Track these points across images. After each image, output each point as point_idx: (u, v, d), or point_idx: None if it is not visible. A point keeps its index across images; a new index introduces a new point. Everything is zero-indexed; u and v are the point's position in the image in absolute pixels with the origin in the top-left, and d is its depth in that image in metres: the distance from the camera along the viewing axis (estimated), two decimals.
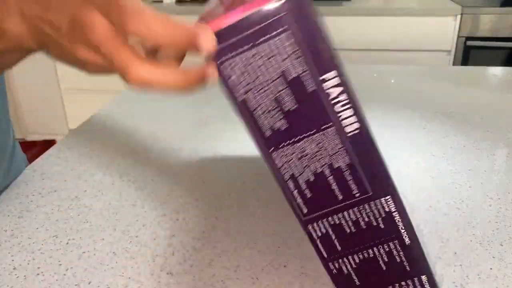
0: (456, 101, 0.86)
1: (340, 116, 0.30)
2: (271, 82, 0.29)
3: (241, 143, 0.71)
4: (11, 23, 0.32)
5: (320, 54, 0.29)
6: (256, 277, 0.44)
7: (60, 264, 0.47)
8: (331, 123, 0.30)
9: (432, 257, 0.46)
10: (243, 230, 0.51)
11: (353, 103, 0.30)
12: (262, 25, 0.28)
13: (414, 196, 0.56)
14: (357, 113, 0.30)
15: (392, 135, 0.73)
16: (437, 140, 0.71)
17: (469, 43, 1.92)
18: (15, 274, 0.45)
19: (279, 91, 0.29)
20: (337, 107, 0.30)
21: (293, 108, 0.30)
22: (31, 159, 0.70)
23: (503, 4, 1.93)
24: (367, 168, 0.31)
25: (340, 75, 0.29)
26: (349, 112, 0.30)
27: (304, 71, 0.29)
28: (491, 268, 0.44)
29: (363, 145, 0.31)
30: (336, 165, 0.31)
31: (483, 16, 1.88)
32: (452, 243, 0.48)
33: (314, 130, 0.30)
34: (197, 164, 0.66)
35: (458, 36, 1.93)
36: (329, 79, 0.29)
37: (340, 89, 0.30)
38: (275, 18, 0.28)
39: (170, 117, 0.82)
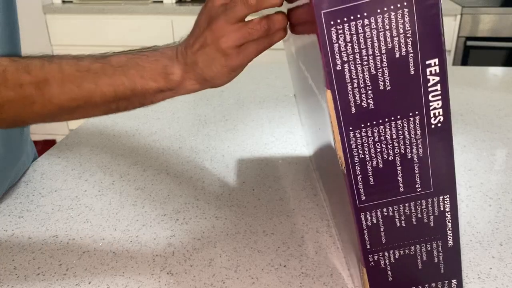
0: (456, 101, 0.86)
1: (430, 106, 0.29)
2: (375, 57, 0.28)
3: (241, 143, 0.71)
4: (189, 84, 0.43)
5: (430, 39, 0.28)
6: (256, 277, 0.44)
7: (60, 264, 0.47)
8: (418, 111, 0.29)
9: None
10: (243, 230, 0.51)
11: (444, 96, 0.29)
12: None
13: None
14: (446, 106, 0.29)
15: None
16: None
17: (469, 43, 1.92)
18: (16, 274, 0.46)
19: (379, 68, 0.28)
20: (430, 96, 0.29)
21: (388, 88, 0.29)
22: None
23: (503, 4, 1.93)
24: (437, 164, 0.31)
25: (441, 64, 0.28)
26: (439, 104, 0.30)
27: (410, 53, 0.28)
28: (490, 268, 0.45)
29: (441, 140, 0.30)
30: (409, 156, 0.30)
31: (483, 16, 1.88)
32: None
33: (400, 116, 0.29)
34: (197, 164, 0.66)
35: (458, 36, 1.93)
36: (431, 66, 0.28)
37: (438, 78, 0.29)
38: None
39: (170, 117, 0.82)
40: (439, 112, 0.29)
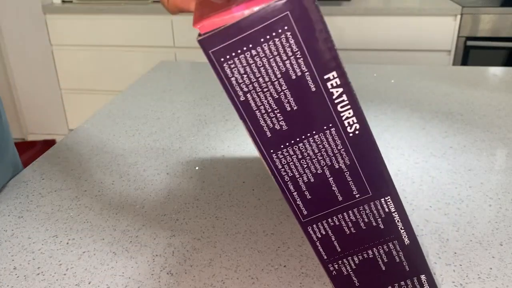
0: (456, 101, 0.86)
1: (342, 116, 0.30)
2: (273, 83, 0.29)
3: (241, 143, 0.72)
4: None
5: (321, 55, 0.28)
6: (256, 277, 0.44)
7: (60, 264, 0.47)
8: (332, 124, 0.30)
9: (432, 257, 0.46)
10: (243, 230, 0.51)
11: (353, 104, 0.30)
12: (263, 25, 0.27)
13: (414, 196, 0.56)
14: (358, 113, 0.30)
15: (391, 135, 0.73)
16: (436, 140, 0.71)
17: (469, 43, 1.92)
18: (15, 274, 0.46)
19: (281, 92, 0.29)
20: (339, 108, 0.30)
21: (294, 108, 0.29)
22: (31, 159, 0.70)
23: (503, 4, 1.93)
24: (367, 168, 0.31)
25: (341, 75, 0.29)
26: (350, 113, 0.30)
27: (305, 72, 0.28)
28: (491, 268, 0.45)
29: (363, 146, 0.31)
30: (336, 166, 0.31)
31: (483, 16, 1.88)
32: (452, 243, 0.48)
33: (315, 131, 0.30)
34: (197, 164, 0.66)
35: (458, 36, 1.93)
36: (330, 80, 0.29)
37: (341, 89, 0.29)
38: (276, 18, 0.27)
39: (170, 117, 0.82)
40: (352, 121, 0.30)
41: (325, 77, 0.29)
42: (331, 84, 0.29)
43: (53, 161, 0.68)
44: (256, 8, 0.27)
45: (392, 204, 0.32)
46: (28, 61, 2.31)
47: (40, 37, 2.22)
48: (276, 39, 0.28)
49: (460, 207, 0.54)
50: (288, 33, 0.28)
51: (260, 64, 0.28)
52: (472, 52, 1.93)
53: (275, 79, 0.29)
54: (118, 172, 0.64)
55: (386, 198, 0.32)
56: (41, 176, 0.64)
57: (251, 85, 0.29)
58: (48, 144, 2.43)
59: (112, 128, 0.79)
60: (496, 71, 1.07)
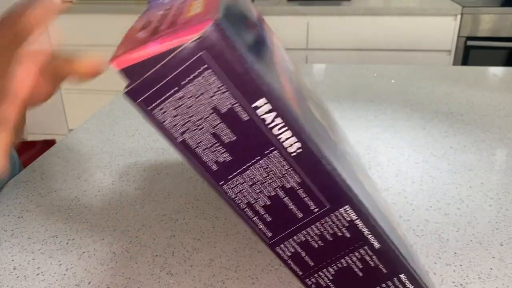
0: (456, 101, 0.86)
1: (280, 138, 0.30)
2: (206, 119, 0.29)
3: None
4: None
5: (245, 85, 0.29)
6: (256, 277, 0.44)
7: (60, 264, 0.47)
8: (273, 147, 0.30)
9: (432, 257, 0.46)
10: (243, 230, 0.51)
11: (290, 124, 0.30)
12: (183, 67, 0.28)
13: (414, 196, 0.56)
14: (297, 132, 0.30)
15: (392, 135, 0.73)
16: (437, 140, 0.71)
17: (469, 43, 1.92)
18: (15, 274, 0.45)
19: (215, 126, 0.30)
20: (275, 131, 0.30)
21: (232, 139, 0.30)
22: (31, 159, 0.70)
23: (503, 4, 1.93)
24: (319, 183, 0.31)
25: (271, 100, 0.29)
26: (288, 134, 0.30)
27: (234, 104, 0.29)
28: (491, 268, 0.44)
29: (309, 162, 0.31)
30: (288, 186, 0.31)
31: (483, 16, 1.88)
32: (452, 243, 0.48)
33: (259, 157, 0.30)
34: None
35: (458, 36, 1.93)
36: (260, 106, 0.29)
37: (273, 113, 0.30)
38: (194, 58, 0.27)
39: None
40: (293, 140, 0.30)
41: (253, 105, 0.29)
42: (262, 111, 0.29)
43: (53, 161, 0.68)
44: (170, 43, 0.27)
45: (352, 212, 0.32)
46: None
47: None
48: (199, 78, 0.28)
49: (460, 207, 0.54)
50: (208, 71, 0.28)
51: (189, 104, 0.29)
52: (472, 52, 1.93)
53: (207, 116, 0.29)
54: (118, 172, 0.64)
55: (345, 208, 0.32)
56: (41, 176, 0.64)
57: (185, 125, 0.29)
58: (48, 144, 2.43)
59: (112, 128, 0.79)
60: (496, 71, 1.07)
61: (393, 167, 0.63)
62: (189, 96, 0.28)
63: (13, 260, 0.47)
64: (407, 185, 0.59)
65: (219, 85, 0.28)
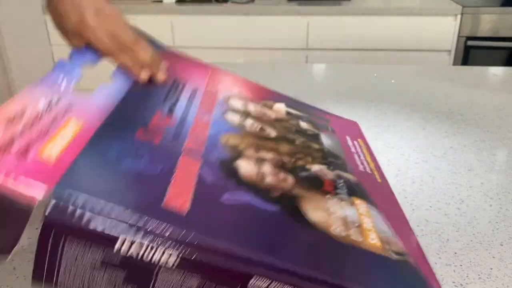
0: (456, 101, 0.86)
1: (154, 261, 0.32)
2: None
3: None
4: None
5: (95, 238, 0.31)
6: None
7: None
8: (157, 270, 0.33)
9: (432, 257, 0.46)
10: None
11: (175, 242, 0.32)
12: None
13: (414, 196, 0.56)
14: (182, 250, 0.32)
15: (392, 135, 0.73)
16: (437, 140, 0.71)
17: (469, 43, 1.92)
18: (15, 274, 0.45)
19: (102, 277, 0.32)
20: (147, 258, 0.32)
21: (125, 276, 0.32)
22: None
23: (503, 4, 1.93)
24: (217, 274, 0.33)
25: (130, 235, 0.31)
26: (159, 253, 0.32)
27: (103, 255, 0.32)
28: (491, 268, 0.44)
29: (182, 273, 0.33)
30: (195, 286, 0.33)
31: (484, 16, 1.88)
32: (452, 243, 0.48)
33: (152, 280, 0.33)
34: None
35: (458, 36, 1.93)
36: (120, 247, 0.32)
37: (136, 246, 0.32)
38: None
39: None
40: (166, 256, 0.32)
41: (115, 250, 0.31)
42: (124, 251, 0.31)
43: None
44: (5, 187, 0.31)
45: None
46: (28, 61, 2.31)
47: (40, 37, 2.22)
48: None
49: (460, 207, 0.54)
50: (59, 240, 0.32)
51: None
52: (472, 52, 1.93)
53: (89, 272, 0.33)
54: None
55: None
56: None
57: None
58: None
59: None
60: (497, 71, 1.07)
61: (393, 167, 0.63)
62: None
63: (12, 260, 0.47)
64: (407, 185, 0.59)
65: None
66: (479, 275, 0.44)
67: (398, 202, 0.46)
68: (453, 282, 0.43)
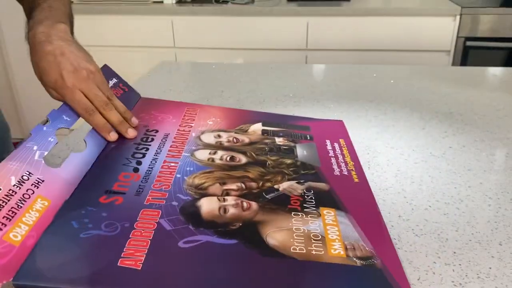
0: (455, 101, 0.86)
1: None
2: None
3: None
4: None
5: None
6: None
7: None
8: None
9: (431, 257, 0.46)
10: None
11: None
12: None
13: (413, 196, 0.57)
14: None
15: (391, 135, 0.73)
16: (436, 140, 0.71)
17: (469, 43, 1.92)
18: None
19: None
20: None
21: None
22: None
23: (502, 4, 1.93)
24: None
25: None
26: None
27: None
28: (490, 268, 0.45)
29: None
30: None
31: (483, 16, 1.89)
32: (451, 242, 0.48)
33: None
34: None
35: (458, 36, 1.93)
36: None
37: None
38: None
39: None
40: None
41: None
42: None
43: None
44: None
45: None
46: (28, 61, 2.31)
47: None
48: None
49: (460, 207, 0.55)
50: None
51: None
52: (471, 52, 1.94)
53: None
54: None
55: None
56: None
57: None
58: None
59: None
60: (496, 71, 1.07)
61: (393, 167, 0.63)
62: None
63: None
64: (407, 185, 0.59)
65: None
66: (478, 274, 0.44)
67: (375, 200, 0.48)
68: (452, 282, 0.43)
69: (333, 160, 0.55)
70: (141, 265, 0.35)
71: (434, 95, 0.90)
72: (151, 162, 0.49)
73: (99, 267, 0.34)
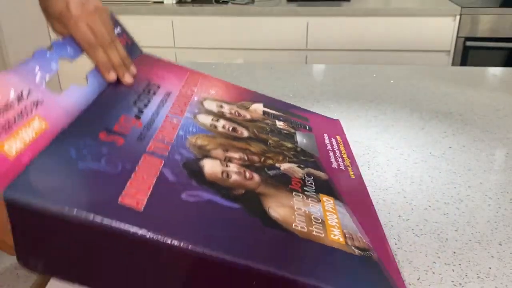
0: (455, 101, 0.86)
1: None
2: None
3: None
4: None
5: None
6: None
7: None
8: None
9: (431, 257, 0.46)
10: None
11: None
12: None
13: (413, 196, 0.57)
14: None
15: (391, 135, 0.73)
16: (436, 140, 0.71)
17: (468, 43, 1.92)
18: (16, 274, 0.46)
19: None
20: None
21: None
22: None
23: (502, 4, 1.93)
24: None
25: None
26: None
27: None
28: (490, 268, 0.45)
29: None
30: None
31: (482, 17, 1.89)
32: (451, 242, 0.48)
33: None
34: None
35: (457, 37, 1.93)
36: None
37: None
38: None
39: None
40: None
41: None
42: None
43: None
44: None
45: None
46: None
47: (40, 37, 2.22)
48: None
49: (459, 206, 0.55)
50: None
51: None
52: (471, 52, 1.94)
53: None
54: None
55: None
56: None
57: None
58: None
59: None
60: (496, 71, 1.07)
61: (393, 167, 0.63)
62: None
63: (14, 260, 0.48)
64: (406, 184, 0.59)
65: None
66: (478, 274, 0.44)
67: (370, 198, 0.48)
68: (452, 282, 0.43)
69: (331, 153, 0.54)
70: (142, 207, 0.33)
71: (434, 95, 0.90)
72: (153, 113, 0.47)
73: (98, 199, 0.33)
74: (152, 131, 0.44)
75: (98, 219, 0.31)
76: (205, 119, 0.50)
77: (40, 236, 0.32)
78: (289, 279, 0.33)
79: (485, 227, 0.51)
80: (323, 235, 0.38)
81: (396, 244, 0.48)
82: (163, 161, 0.40)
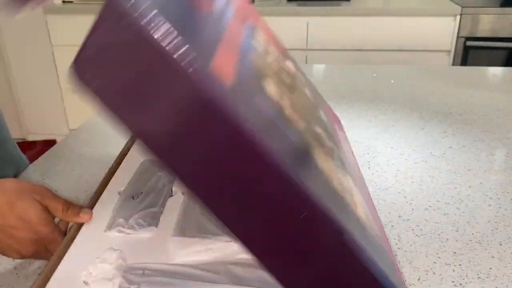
0: (455, 101, 0.86)
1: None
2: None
3: None
4: None
5: None
6: None
7: None
8: None
9: (431, 257, 0.46)
10: None
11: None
12: None
13: (413, 196, 0.57)
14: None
15: (391, 135, 0.73)
16: (436, 140, 0.71)
17: (469, 43, 1.92)
18: (16, 274, 0.46)
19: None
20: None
21: None
22: (31, 159, 0.70)
23: (502, 4, 1.93)
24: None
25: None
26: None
27: None
28: (490, 268, 0.45)
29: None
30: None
31: (483, 16, 1.88)
32: (451, 242, 0.48)
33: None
34: None
35: (458, 36, 1.93)
36: None
37: None
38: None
39: None
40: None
41: None
42: None
43: (53, 161, 0.68)
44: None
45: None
46: (28, 61, 2.31)
47: (40, 37, 2.22)
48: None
49: (460, 207, 0.55)
50: None
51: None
52: (471, 52, 1.94)
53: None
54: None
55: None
56: (41, 176, 0.64)
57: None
58: (49, 144, 2.43)
59: (112, 128, 0.79)
60: (496, 71, 1.07)
61: (393, 167, 0.63)
62: None
63: (13, 260, 0.48)
64: (407, 185, 0.59)
65: None
66: (478, 274, 0.44)
67: (370, 198, 0.47)
68: (453, 282, 0.43)
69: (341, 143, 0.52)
70: (231, 83, 0.29)
71: (434, 95, 0.90)
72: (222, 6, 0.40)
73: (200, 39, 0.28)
74: (224, 23, 0.38)
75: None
76: (258, 45, 0.45)
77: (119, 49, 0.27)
78: (333, 220, 0.31)
79: (486, 227, 0.51)
80: (353, 207, 0.37)
81: (396, 244, 0.48)
82: (238, 55, 0.35)
